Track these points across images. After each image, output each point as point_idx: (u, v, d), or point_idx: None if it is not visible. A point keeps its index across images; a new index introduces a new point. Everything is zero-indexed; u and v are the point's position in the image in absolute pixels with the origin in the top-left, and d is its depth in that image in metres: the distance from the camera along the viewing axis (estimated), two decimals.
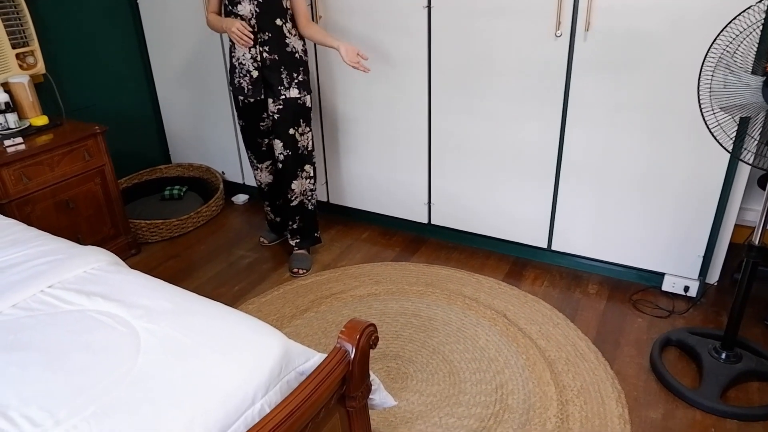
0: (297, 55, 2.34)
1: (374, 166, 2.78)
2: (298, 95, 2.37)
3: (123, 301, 1.44)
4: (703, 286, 2.28)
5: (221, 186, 3.24)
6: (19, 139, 2.36)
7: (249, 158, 2.66)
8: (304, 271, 2.62)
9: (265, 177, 2.70)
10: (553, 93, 2.18)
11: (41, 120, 2.52)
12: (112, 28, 3.13)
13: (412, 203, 2.76)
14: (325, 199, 3.03)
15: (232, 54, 2.37)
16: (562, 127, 2.22)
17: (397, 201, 2.81)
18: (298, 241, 2.66)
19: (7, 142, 2.33)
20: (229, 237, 2.99)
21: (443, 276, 2.55)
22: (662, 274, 2.32)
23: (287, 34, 2.29)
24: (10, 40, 2.50)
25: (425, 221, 2.78)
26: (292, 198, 2.55)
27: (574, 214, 2.37)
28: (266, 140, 2.57)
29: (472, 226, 2.66)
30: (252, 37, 2.21)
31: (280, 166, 2.47)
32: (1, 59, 2.48)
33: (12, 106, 2.44)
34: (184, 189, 3.30)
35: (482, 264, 2.64)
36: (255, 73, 2.33)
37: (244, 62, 2.33)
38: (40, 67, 2.63)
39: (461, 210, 2.64)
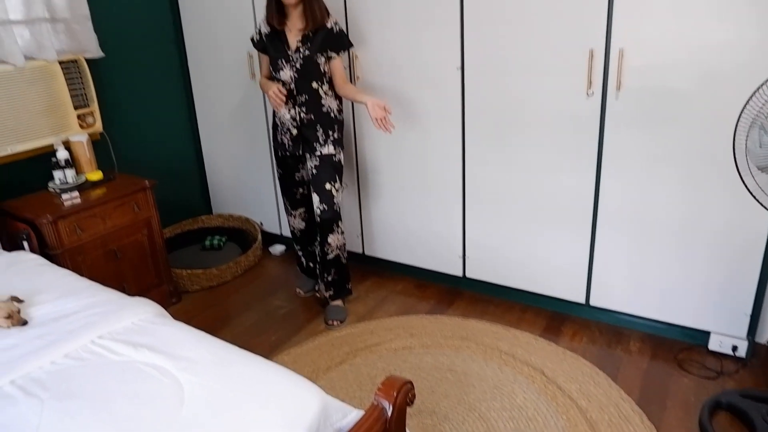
0: (332, 114, 2.50)
1: (409, 217, 2.82)
2: (333, 152, 2.51)
3: (168, 352, 1.49)
4: (753, 346, 2.21)
5: (259, 236, 3.33)
6: (76, 194, 2.50)
7: (284, 204, 2.79)
8: (339, 322, 2.64)
9: (298, 223, 2.81)
10: (587, 146, 2.21)
11: (96, 175, 2.67)
12: (163, 88, 3.33)
13: (447, 255, 2.78)
14: (360, 251, 3.08)
15: (275, 113, 2.54)
16: (597, 179, 2.24)
17: (432, 253, 2.83)
18: (332, 293, 2.71)
19: (65, 196, 2.47)
20: (266, 287, 3.05)
21: (479, 330, 2.54)
22: (708, 333, 2.25)
23: (323, 96, 2.46)
24: (72, 101, 2.68)
25: (460, 274, 2.79)
26: (329, 252, 2.62)
27: (612, 268, 2.35)
28: (300, 189, 2.71)
29: (507, 279, 2.66)
30: (284, 100, 2.41)
31: (318, 219, 2.56)
32: (64, 119, 2.66)
33: (71, 163, 2.59)
34: (223, 239, 3.40)
35: (519, 318, 2.62)
36: (294, 131, 2.51)
37: (284, 121, 2.52)
38: (98, 126, 2.81)
39: (497, 263, 2.65)
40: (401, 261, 2.97)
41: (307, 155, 2.53)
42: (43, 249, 2.35)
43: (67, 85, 2.67)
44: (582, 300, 2.48)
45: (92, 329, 1.59)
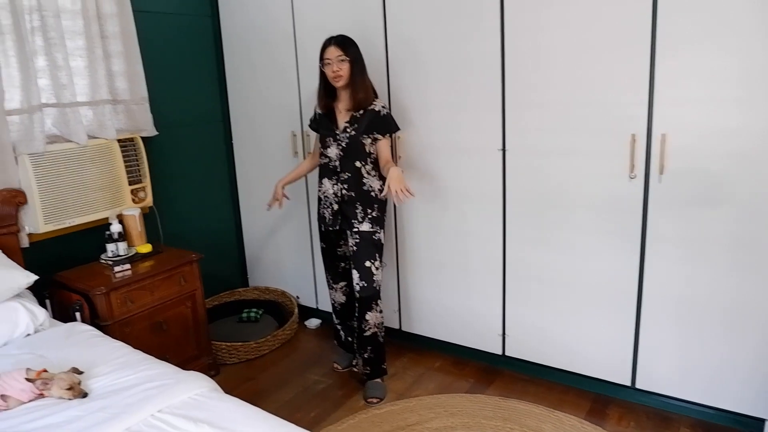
0: (373, 193, 2.58)
1: (447, 294, 2.85)
2: (371, 229, 2.58)
3: (228, 428, 1.50)
4: None
5: (296, 310, 3.36)
6: (127, 266, 2.59)
7: (326, 278, 2.85)
8: (379, 400, 2.62)
9: (339, 297, 2.85)
10: (631, 228, 2.25)
11: (146, 248, 2.76)
12: (208, 166, 3.49)
13: (486, 333, 2.78)
14: (397, 326, 3.09)
15: (320, 188, 2.65)
16: (641, 261, 2.26)
17: (470, 330, 2.83)
18: (368, 372, 2.71)
19: (117, 269, 2.56)
20: (303, 361, 3.05)
21: (521, 411, 2.49)
22: (762, 420, 2.19)
23: (365, 175, 2.56)
24: (128, 177, 2.82)
25: (499, 352, 2.78)
26: (366, 328, 2.63)
27: (659, 350, 2.32)
28: (342, 264, 2.77)
29: (548, 359, 2.63)
30: (271, 204, 2.81)
31: (357, 296, 2.60)
32: (119, 194, 2.79)
33: (123, 236, 2.70)
34: (260, 312, 3.44)
35: (561, 400, 2.57)
36: (335, 206, 2.61)
37: (328, 196, 2.62)
38: (149, 201, 2.94)
39: (537, 342, 2.64)
40: (439, 337, 2.96)
41: (347, 231, 2.61)
42: (94, 320, 2.41)
43: (124, 161, 2.82)
44: (627, 382, 2.44)
45: (151, 403, 1.61)
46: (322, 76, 2.53)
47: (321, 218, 2.69)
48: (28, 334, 2.13)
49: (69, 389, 1.67)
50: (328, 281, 2.85)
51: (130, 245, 2.76)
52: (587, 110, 2.24)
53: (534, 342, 2.65)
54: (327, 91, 2.56)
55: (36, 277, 2.22)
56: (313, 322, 3.44)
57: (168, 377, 1.77)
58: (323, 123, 2.61)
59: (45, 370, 1.74)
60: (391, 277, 3.02)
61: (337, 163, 2.56)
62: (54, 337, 2.11)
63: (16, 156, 2.47)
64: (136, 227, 2.78)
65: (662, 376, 2.35)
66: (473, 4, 2.42)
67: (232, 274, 3.73)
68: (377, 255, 2.60)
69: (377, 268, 2.60)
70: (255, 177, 3.48)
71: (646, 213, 2.21)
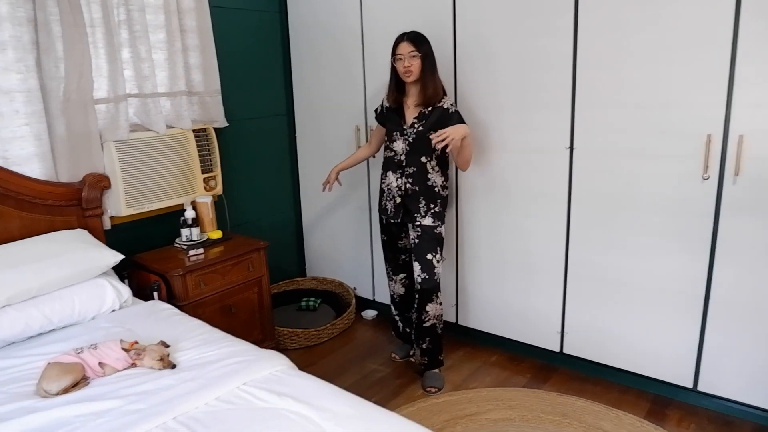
0: (436, 188, 2.63)
1: (506, 290, 2.88)
2: (433, 224, 2.63)
3: (310, 403, 1.58)
4: None
5: (353, 300, 3.45)
6: (201, 250, 2.72)
7: (386, 270, 2.92)
8: (437, 390, 2.67)
9: (398, 288, 2.91)
10: (701, 231, 2.24)
11: (216, 234, 2.89)
12: (272, 157, 3.61)
13: (544, 330, 2.80)
14: (454, 320, 3.13)
15: (383, 180, 2.71)
16: (710, 264, 2.25)
17: (528, 327, 2.85)
18: (426, 362, 2.76)
19: (191, 252, 2.69)
20: (361, 350, 3.12)
21: (579, 408, 2.51)
22: None
23: (430, 170, 2.61)
24: (200, 166, 2.95)
25: (557, 350, 2.79)
26: (426, 319, 2.69)
27: (724, 354, 2.30)
28: (403, 256, 2.83)
29: (607, 358, 2.64)
30: (327, 188, 2.93)
31: (418, 287, 2.65)
32: (193, 182, 2.93)
33: (196, 222, 2.83)
34: (318, 301, 3.54)
35: (619, 399, 2.57)
36: (398, 199, 2.66)
37: (391, 189, 2.68)
38: (219, 189, 3.07)
39: (596, 341, 2.64)
40: (495, 333, 2.99)
41: (409, 224, 2.66)
42: (170, 300, 2.54)
43: (198, 151, 2.95)
44: (689, 384, 2.43)
45: (237, 377, 1.71)
46: (393, 71, 2.59)
47: (383, 210, 2.76)
48: (114, 310, 2.28)
49: (159, 360, 1.79)
50: (388, 273, 2.92)
51: (202, 231, 2.88)
52: (661, 110, 2.24)
53: (593, 341, 2.65)
54: (397, 86, 2.62)
55: (122, 257, 2.35)
56: (370, 313, 3.52)
57: (248, 354, 1.87)
58: (391, 117, 2.67)
59: (136, 342, 1.87)
60: (449, 272, 3.07)
61: (403, 158, 2.61)
62: (138, 313, 2.24)
63: (102, 143, 2.62)
64: (208, 214, 2.91)
65: (726, 380, 2.33)
66: (546, 3, 2.44)
67: (290, 264, 3.84)
68: (438, 248, 2.65)
69: (438, 261, 2.65)
70: (316, 170, 3.57)
71: (718, 215, 2.19)
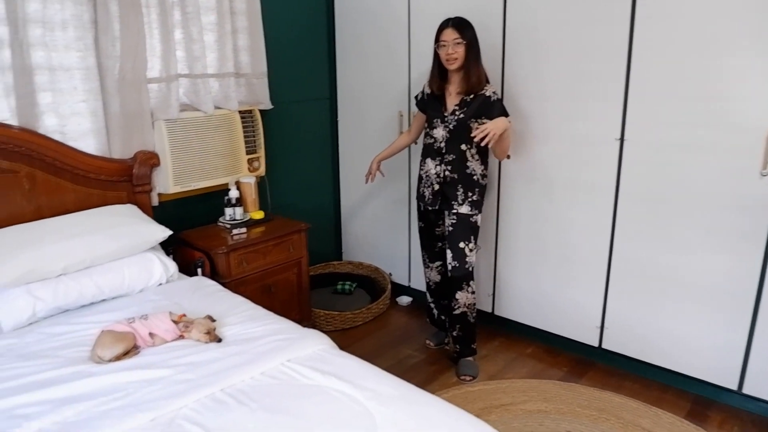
0: (475, 177, 2.61)
1: (545, 282, 2.85)
2: (470, 212, 2.61)
3: (353, 382, 1.61)
4: None
5: (389, 286, 3.47)
6: (243, 230, 2.77)
7: (422, 256, 2.93)
8: (471, 378, 2.68)
9: (434, 276, 2.91)
10: (756, 228, 2.17)
11: (258, 214, 2.94)
12: (314, 141, 3.64)
13: (583, 324, 2.77)
14: (490, 310, 3.13)
15: (422, 167, 2.70)
16: (764, 263, 2.19)
17: (567, 320, 2.83)
18: (458, 349, 2.77)
19: (235, 231, 2.74)
20: (396, 335, 3.15)
21: (617, 404, 2.48)
22: None
23: (469, 158, 2.59)
24: (245, 147, 3.00)
25: (595, 344, 2.76)
26: (456, 307, 2.69)
27: None
28: (439, 244, 2.84)
29: (648, 355, 2.59)
30: (369, 180, 2.96)
31: (450, 275, 2.66)
32: (237, 162, 2.98)
33: (240, 201, 2.88)
34: (354, 285, 3.57)
35: (659, 397, 2.53)
36: (436, 186, 2.65)
37: (430, 175, 2.67)
38: (262, 170, 3.11)
39: (637, 337, 2.60)
40: (532, 324, 2.98)
41: (445, 212, 2.66)
42: (213, 276, 2.60)
43: (243, 132, 3.00)
44: (734, 386, 2.37)
45: (281, 353, 1.75)
46: (436, 57, 2.56)
47: (420, 197, 2.75)
48: (161, 284, 2.34)
49: (206, 333, 1.84)
50: (424, 260, 2.92)
51: (245, 211, 2.94)
52: (718, 104, 2.17)
53: (634, 337, 2.61)
54: (440, 73, 2.59)
55: (170, 232, 2.42)
56: (405, 300, 3.54)
57: (292, 332, 1.91)
58: (432, 104, 2.65)
59: (185, 315, 1.92)
60: (487, 261, 3.06)
61: (443, 145, 2.59)
62: (184, 288, 2.30)
63: (153, 121, 2.69)
64: (251, 194, 2.96)
65: None
66: None
67: (327, 247, 3.88)
68: (472, 237, 2.64)
69: (471, 250, 2.64)
70: (357, 155, 3.59)
71: None
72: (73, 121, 2.46)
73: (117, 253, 2.25)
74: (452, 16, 2.54)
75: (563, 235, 2.73)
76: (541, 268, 2.85)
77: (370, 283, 3.61)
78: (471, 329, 2.75)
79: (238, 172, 2.99)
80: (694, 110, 2.24)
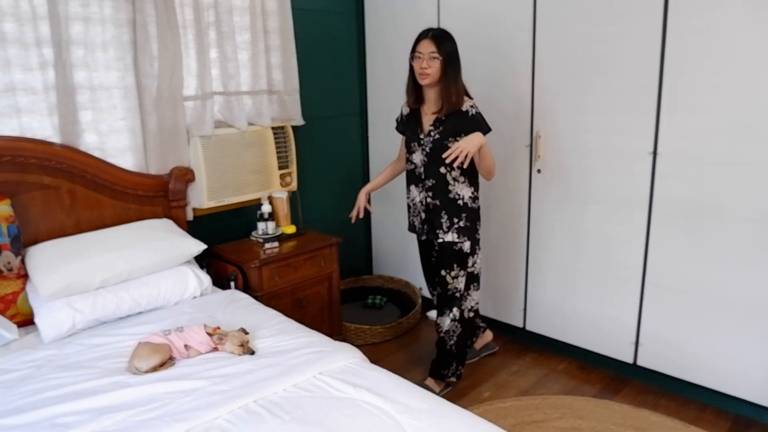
0: (460, 201, 2.43)
1: (578, 298, 2.81)
2: (455, 240, 2.45)
3: (384, 395, 1.61)
4: None
5: (419, 300, 3.46)
6: (276, 244, 2.81)
7: (427, 284, 2.83)
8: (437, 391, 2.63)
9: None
10: None
11: (290, 229, 2.97)
12: (344, 156, 3.68)
13: (617, 340, 2.72)
14: (521, 325, 3.09)
15: (408, 195, 2.59)
16: None
17: (600, 336, 2.78)
18: (430, 369, 2.71)
19: (267, 245, 2.78)
20: (426, 350, 3.13)
21: (653, 422, 2.42)
22: None
23: (451, 182, 2.41)
24: (278, 162, 3.05)
25: (630, 361, 2.70)
26: (439, 331, 2.65)
27: None
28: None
29: (685, 373, 2.53)
30: (357, 215, 2.71)
31: (435, 302, 2.61)
32: (269, 177, 3.03)
33: (272, 216, 2.92)
34: (384, 299, 3.57)
35: (697, 416, 2.46)
36: (423, 215, 2.53)
37: (416, 203, 2.55)
38: (294, 185, 3.16)
39: (674, 354, 2.54)
40: (564, 340, 2.93)
41: (433, 240, 2.54)
42: (246, 290, 2.64)
43: (275, 148, 3.05)
44: None
45: (313, 366, 1.76)
46: (412, 70, 2.37)
47: (411, 227, 2.63)
48: (195, 297, 2.39)
49: (240, 346, 1.87)
50: (429, 288, 2.84)
51: (276, 225, 2.98)
52: (754, 115, 2.13)
53: (670, 354, 2.55)
54: (414, 87, 2.39)
55: (205, 246, 2.47)
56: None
57: (323, 345, 1.92)
58: (409, 126, 2.47)
59: (219, 328, 1.95)
60: (518, 275, 3.03)
61: (422, 170, 2.43)
62: (217, 301, 2.34)
63: (188, 138, 2.76)
64: (283, 209, 3.00)
65: None
66: (634, 4, 2.37)
67: (358, 261, 3.90)
68: (455, 264, 2.49)
69: (454, 277, 2.51)
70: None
71: None
72: (113, 139, 2.54)
73: (154, 266, 2.30)
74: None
75: (596, 249, 2.70)
76: (574, 283, 2.82)
77: (401, 298, 3.61)
78: (447, 356, 2.64)
79: (271, 187, 3.04)
80: (728, 123, 2.20)
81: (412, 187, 2.52)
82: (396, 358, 3.05)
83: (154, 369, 1.77)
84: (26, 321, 2.16)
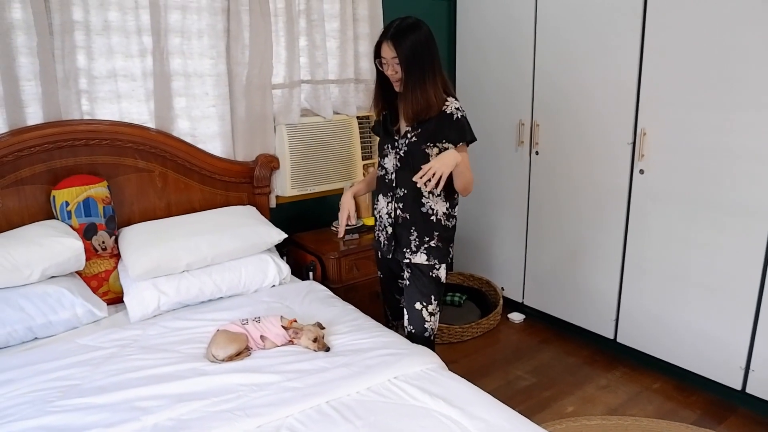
0: (434, 218, 2.00)
1: (680, 311, 2.56)
2: (427, 262, 2.01)
3: (463, 408, 1.51)
4: None
5: (501, 301, 3.31)
6: (356, 235, 2.77)
7: (384, 312, 2.36)
8: None
9: (403, 335, 2.15)
10: None
11: (371, 221, 2.92)
12: None
13: (724, 363, 2.45)
14: (612, 337, 2.87)
15: (374, 205, 2.18)
16: None
17: (704, 357, 2.51)
18: None
19: (347, 237, 2.74)
20: (505, 354, 2.99)
21: None
22: None
23: (425, 194, 1.98)
24: (361, 152, 3.00)
25: (738, 387, 2.42)
26: None
27: None
28: (403, 298, 2.18)
29: None
30: (341, 233, 2.17)
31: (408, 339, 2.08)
32: (352, 167, 2.99)
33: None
34: (464, 297, 3.45)
35: None
36: (390, 229, 2.05)
37: (382, 216, 2.09)
38: None
39: None
40: (660, 357, 2.68)
41: (402, 262, 2.08)
42: (324, 281, 2.62)
43: (360, 137, 3.00)
44: None
45: (389, 369, 1.69)
46: (379, 74, 1.97)
47: (376, 242, 2.17)
48: (274, 285, 2.39)
49: (314, 341, 1.83)
50: (386, 316, 2.34)
51: (357, 217, 2.93)
52: None
53: None
54: (383, 92, 2.00)
55: (285, 235, 2.46)
56: (517, 317, 3.36)
57: (400, 347, 1.84)
58: (385, 126, 2.05)
59: (295, 321, 1.92)
60: (611, 283, 2.81)
61: (393, 176, 2.00)
62: (295, 291, 2.33)
63: (275, 125, 2.76)
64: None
65: None
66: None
67: None
68: (432, 296, 2.04)
69: (431, 313, 2.05)
70: (473, 161, 3.43)
71: None
72: (203, 125, 2.59)
73: (237, 252, 2.32)
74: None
75: (704, 260, 2.43)
76: (677, 295, 2.56)
77: (481, 297, 3.47)
78: None
79: (354, 178, 3.00)
80: None
81: (380, 197, 2.08)
82: (473, 360, 2.93)
83: (230, 358, 1.77)
84: (116, 299, 2.26)
